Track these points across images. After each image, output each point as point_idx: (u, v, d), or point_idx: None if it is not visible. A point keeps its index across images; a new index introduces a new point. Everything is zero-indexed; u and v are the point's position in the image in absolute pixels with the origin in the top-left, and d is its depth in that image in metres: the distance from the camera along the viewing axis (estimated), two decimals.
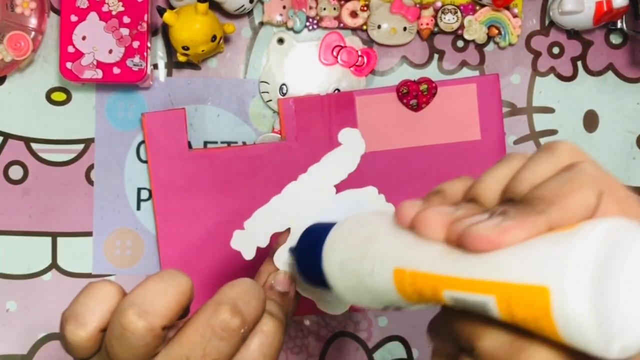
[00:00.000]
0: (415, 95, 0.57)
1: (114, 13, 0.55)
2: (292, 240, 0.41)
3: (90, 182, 0.58)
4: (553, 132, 0.61)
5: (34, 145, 0.58)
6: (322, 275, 0.34)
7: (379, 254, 0.29)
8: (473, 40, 0.60)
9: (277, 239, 0.41)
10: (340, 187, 0.42)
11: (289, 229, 0.41)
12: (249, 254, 0.41)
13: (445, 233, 0.27)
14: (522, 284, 0.23)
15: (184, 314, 0.31)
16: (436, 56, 0.60)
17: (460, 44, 0.60)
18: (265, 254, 0.42)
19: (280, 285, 0.40)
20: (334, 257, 0.33)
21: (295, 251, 0.39)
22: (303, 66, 0.59)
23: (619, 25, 0.59)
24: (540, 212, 0.24)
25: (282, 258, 0.41)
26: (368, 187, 0.43)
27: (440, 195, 0.30)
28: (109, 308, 0.30)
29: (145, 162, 0.58)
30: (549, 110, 0.61)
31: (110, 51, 0.55)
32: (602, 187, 0.25)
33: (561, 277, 0.22)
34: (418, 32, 0.59)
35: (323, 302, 0.42)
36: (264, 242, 0.41)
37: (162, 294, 0.29)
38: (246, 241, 0.41)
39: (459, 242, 0.25)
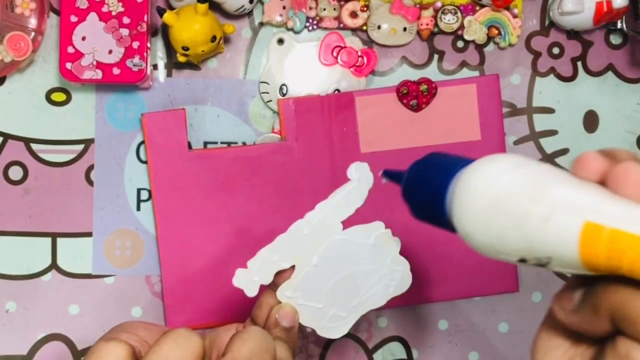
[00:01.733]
0: (415, 96, 0.57)
1: (113, 13, 0.55)
2: (297, 276, 0.41)
3: (90, 182, 0.58)
4: (553, 132, 0.61)
5: (34, 146, 0.58)
6: (437, 208, 0.30)
7: (562, 201, 0.25)
8: (473, 41, 0.60)
9: (281, 274, 0.41)
10: (346, 222, 0.42)
11: (293, 266, 0.41)
12: (251, 292, 0.41)
13: None
14: None
15: None
16: (436, 56, 0.60)
17: (460, 44, 0.60)
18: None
19: (286, 321, 0.39)
20: (483, 192, 0.28)
21: (407, 176, 0.34)
22: (303, 66, 0.59)
23: (619, 25, 0.59)
24: None
25: (286, 293, 0.41)
26: (375, 222, 0.42)
27: (614, 156, 0.27)
28: None
29: (145, 162, 0.58)
30: (549, 110, 0.61)
31: (110, 52, 0.55)
32: None
33: None
34: (418, 33, 0.59)
35: (323, 328, 0.42)
36: (267, 280, 0.41)
37: None
38: (249, 280, 0.40)
39: None
